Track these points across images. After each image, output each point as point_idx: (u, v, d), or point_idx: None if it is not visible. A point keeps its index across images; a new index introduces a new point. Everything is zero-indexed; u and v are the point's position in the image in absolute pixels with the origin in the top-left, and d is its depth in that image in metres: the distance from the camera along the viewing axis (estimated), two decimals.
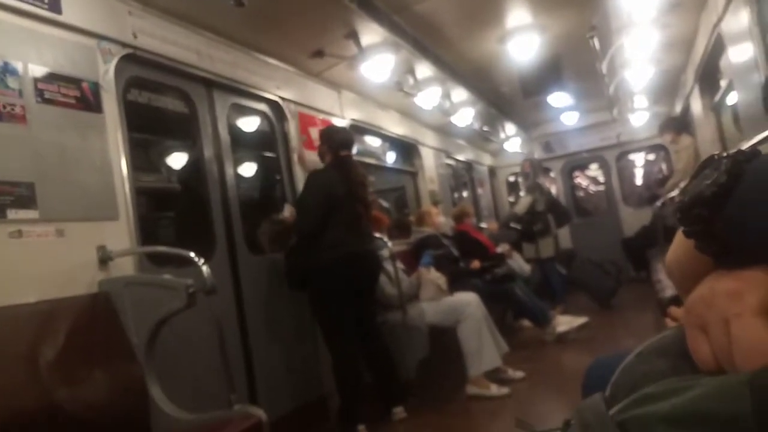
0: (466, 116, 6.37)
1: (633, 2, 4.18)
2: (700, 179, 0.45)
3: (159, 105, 3.15)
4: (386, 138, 5.78)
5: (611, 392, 0.50)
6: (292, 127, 3.96)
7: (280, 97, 3.89)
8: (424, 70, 4.86)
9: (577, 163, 9.44)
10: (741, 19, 3.64)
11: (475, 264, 5.22)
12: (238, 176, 3.57)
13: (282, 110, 3.91)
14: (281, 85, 3.91)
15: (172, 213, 3.44)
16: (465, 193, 8.19)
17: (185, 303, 2.17)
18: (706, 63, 5.28)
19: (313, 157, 3.88)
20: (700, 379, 0.42)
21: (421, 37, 4.49)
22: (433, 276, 4.29)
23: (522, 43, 4.80)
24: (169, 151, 3.49)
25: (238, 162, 3.61)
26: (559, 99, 6.79)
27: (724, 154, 0.46)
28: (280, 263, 3.54)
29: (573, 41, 4.86)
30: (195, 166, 3.29)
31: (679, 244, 0.51)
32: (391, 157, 6.12)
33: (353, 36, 3.86)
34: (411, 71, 4.80)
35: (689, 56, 6.11)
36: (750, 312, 0.42)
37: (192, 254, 2.38)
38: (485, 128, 7.44)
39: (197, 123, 3.26)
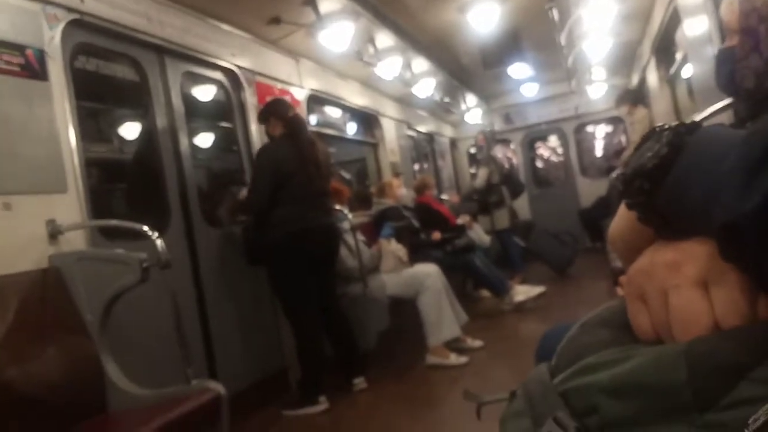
0: (427, 87, 6.34)
1: None
2: (642, 151, 0.46)
3: (108, 73, 3.04)
4: (347, 109, 5.72)
5: (556, 362, 0.51)
6: (249, 97, 3.88)
7: (235, 65, 3.78)
8: (384, 39, 4.81)
9: (536, 135, 9.54)
10: None
11: (436, 235, 5.25)
12: (194, 146, 3.49)
13: (238, 79, 3.81)
14: (237, 53, 3.81)
15: (124, 185, 3.34)
16: (426, 165, 8.20)
17: (139, 278, 2.12)
18: (663, 35, 5.36)
19: None
20: (639, 349, 0.43)
21: (380, 5, 4.42)
22: (394, 247, 4.31)
23: (482, 13, 4.78)
24: (120, 121, 3.38)
25: (192, 132, 3.52)
26: (518, 70, 6.81)
27: (666, 127, 0.46)
28: (238, 235, 3.50)
29: (532, 12, 4.86)
30: (148, 136, 3.20)
31: (622, 216, 0.51)
32: (351, 128, 6.07)
33: (311, 2, 3.77)
34: (371, 40, 4.74)
35: (646, 28, 6.20)
36: (688, 283, 0.43)
37: (145, 227, 2.33)
38: (446, 99, 7.44)
39: (149, 91, 3.15)
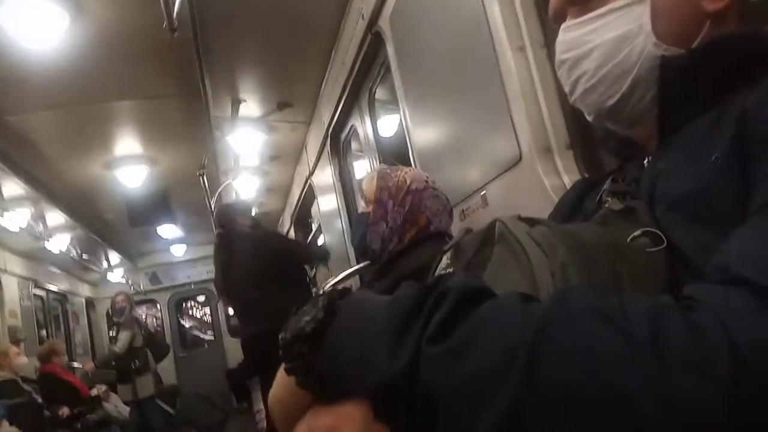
0: (61, 242, 5.79)
1: (238, 150, 4.59)
2: (299, 316, 0.47)
3: None
4: None
5: None
6: None
7: None
8: (12, 187, 4.28)
9: (184, 295, 9.37)
10: (327, 174, 4.33)
11: (64, 411, 4.53)
12: None
13: None
14: None
15: None
16: (56, 329, 7.20)
17: None
18: (301, 208, 6.05)
19: None
20: None
21: (11, 150, 3.98)
22: (7, 431, 3.55)
23: (130, 171, 4.73)
24: None
25: None
26: (168, 230, 6.76)
27: (320, 292, 0.49)
28: None
29: (183, 176, 5.00)
30: None
31: (281, 382, 0.51)
32: None
33: None
34: None
35: (287, 201, 6.92)
36: None
37: None
38: (85, 256, 6.88)
39: None
